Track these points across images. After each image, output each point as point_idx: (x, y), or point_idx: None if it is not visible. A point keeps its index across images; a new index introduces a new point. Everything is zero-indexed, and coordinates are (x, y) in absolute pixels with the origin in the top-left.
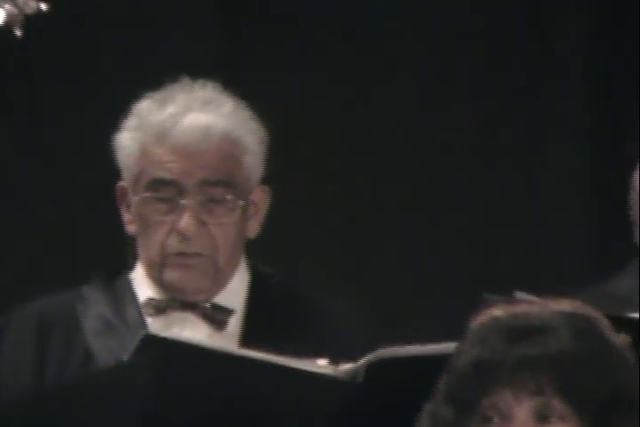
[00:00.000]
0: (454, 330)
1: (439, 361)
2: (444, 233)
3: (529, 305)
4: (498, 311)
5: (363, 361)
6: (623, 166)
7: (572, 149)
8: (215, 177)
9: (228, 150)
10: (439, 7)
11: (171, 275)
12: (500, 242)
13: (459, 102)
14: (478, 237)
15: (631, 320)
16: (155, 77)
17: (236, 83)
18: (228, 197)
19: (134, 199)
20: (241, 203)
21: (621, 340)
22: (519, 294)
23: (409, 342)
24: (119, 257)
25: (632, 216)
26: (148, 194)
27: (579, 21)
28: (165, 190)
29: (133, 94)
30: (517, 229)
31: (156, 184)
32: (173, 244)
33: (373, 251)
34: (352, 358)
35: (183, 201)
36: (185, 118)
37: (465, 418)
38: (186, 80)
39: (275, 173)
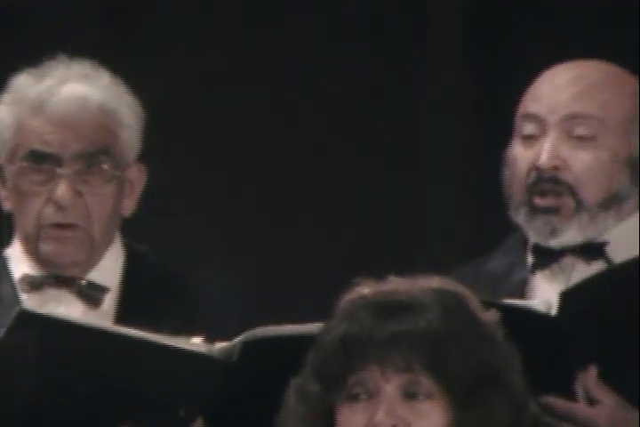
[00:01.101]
0: (330, 310)
1: (313, 341)
2: (321, 213)
3: (397, 283)
4: (366, 289)
5: (238, 340)
6: (497, 142)
7: (447, 123)
8: (92, 148)
9: (105, 122)
10: None
11: (46, 247)
12: (376, 221)
13: (326, 87)
14: (354, 216)
15: (505, 306)
16: (34, 56)
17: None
18: (105, 167)
19: (10, 170)
20: (117, 174)
21: (490, 317)
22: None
23: (284, 321)
24: None
25: (505, 192)
26: (24, 164)
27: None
28: (42, 162)
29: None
30: (393, 206)
31: (33, 156)
32: (49, 214)
33: (251, 231)
34: (227, 336)
35: (59, 170)
36: (62, 90)
37: (332, 394)
38: (63, 57)
39: (151, 152)
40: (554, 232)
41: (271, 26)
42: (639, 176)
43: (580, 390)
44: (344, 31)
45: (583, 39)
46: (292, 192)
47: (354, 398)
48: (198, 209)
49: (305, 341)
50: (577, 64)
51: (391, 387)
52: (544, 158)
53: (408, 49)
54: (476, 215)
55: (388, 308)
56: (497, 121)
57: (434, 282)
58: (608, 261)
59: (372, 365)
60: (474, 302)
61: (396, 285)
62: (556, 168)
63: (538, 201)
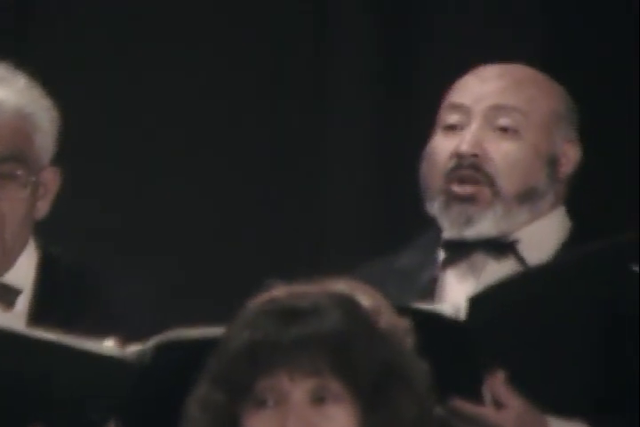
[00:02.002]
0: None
1: None
2: (233, 212)
3: (298, 288)
4: (268, 295)
5: (150, 342)
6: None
7: (360, 120)
8: (6, 152)
9: (20, 126)
10: None
11: None
12: (287, 217)
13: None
14: (264, 213)
15: (413, 310)
16: None
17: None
18: (19, 172)
19: None
20: (32, 179)
21: (401, 323)
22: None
23: (198, 323)
24: None
25: (422, 184)
26: None
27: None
28: None
29: None
30: (304, 200)
31: None
32: None
33: (165, 231)
34: (141, 338)
35: None
36: None
37: (238, 402)
38: None
39: (65, 155)
40: (469, 221)
41: (180, 17)
42: (557, 175)
43: (487, 394)
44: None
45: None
46: (204, 194)
47: (261, 404)
48: (112, 210)
49: (218, 343)
50: (501, 65)
51: (299, 392)
52: (465, 145)
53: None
54: (379, 214)
55: (290, 313)
56: (403, 123)
57: (337, 285)
58: (519, 258)
59: (279, 370)
60: (379, 304)
61: (296, 290)
62: (476, 156)
63: (455, 189)
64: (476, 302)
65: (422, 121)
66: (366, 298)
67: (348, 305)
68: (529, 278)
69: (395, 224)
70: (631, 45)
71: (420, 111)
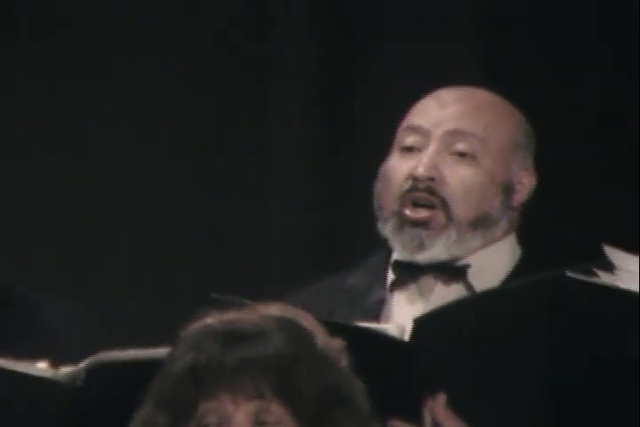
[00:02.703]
0: (176, 335)
1: (159, 365)
2: (167, 230)
3: (240, 312)
4: (210, 319)
5: (83, 364)
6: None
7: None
8: None
9: None
10: None
11: None
12: (225, 236)
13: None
14: (200, 232)
15: (357, 329)
16: None
17: None
18: None
19: None
20: None
21: (336, 344)
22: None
23: (131, 345)
24: None
25: (376, 204)
26: None
27: None
28: None
29: None
30: (244, 219)
31: None
32: None
33: (96, 251)
34: (73, 360)
35: None
36: None
37: (181, 425)
38: None
39: None
40: (421, 246)
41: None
42: (511, 203)
43: (427, 416)
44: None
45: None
46: (136, 215)
47: None
48: (43, 234)
49: (151, 365)
50: (460, 89)
51: (242, 415)
52: (422, 168)
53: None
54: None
55: (235, 335)
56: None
57: (274, 308)
58: (467, 284)
59: (222, 392)
60: (313, 326)
61: (238, 314)
62: (432, 179)
63: (409, 213)
64: (421, 324)
65: (365, 143)
66: (279, 314)
67: (292, 328)
68: (476, 303)
69: (344, 244)
70: (578, 59)
71: (362, 132)
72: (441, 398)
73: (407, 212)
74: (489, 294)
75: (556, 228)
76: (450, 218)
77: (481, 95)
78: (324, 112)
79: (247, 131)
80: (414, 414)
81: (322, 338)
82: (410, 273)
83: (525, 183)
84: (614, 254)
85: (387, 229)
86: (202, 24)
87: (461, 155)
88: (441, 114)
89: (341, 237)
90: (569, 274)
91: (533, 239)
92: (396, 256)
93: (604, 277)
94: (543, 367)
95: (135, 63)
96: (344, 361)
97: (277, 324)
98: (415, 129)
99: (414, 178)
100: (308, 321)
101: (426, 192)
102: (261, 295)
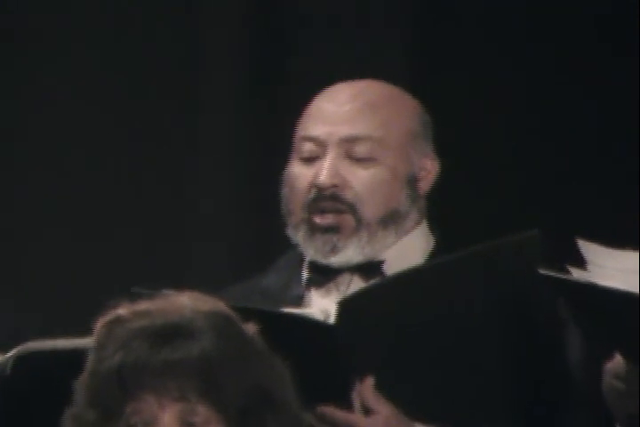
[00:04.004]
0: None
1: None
2: (94, 222)
3: (152, 302)
4: (122, 310)
5: (10, 354)
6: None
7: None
8: None
9: None
10: None
11: None
12: (147, 232)
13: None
14: (126, 227)
15: (281, 315)
16: None
17: None
18: None
19: None
20: None
21: (250, 329)
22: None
23: (58, 334)
24: None
25: (284, 210)
26: None
27: None
28: None
29: None
30: (170, 217)
31: None
32: None
33: (23, 240)
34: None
35: None
36: None
37: (110, 423)
38: None
39: None
40: (334, 250)
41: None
42: (417, 192)
43: (356, 400)
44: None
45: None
46: (64, 204)
47: None
48: None
49: (79, 354)
50: (353, 84)
51: (168, 416)
52: (323, 177)
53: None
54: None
55: (163, 335)
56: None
57: (180, 298)
58: (383, 277)
59: (148, 394)
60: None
61: (149, 305)
62: (335, 186)
63: (318, 220)
64: (346, 306)
65: (289, 137)
66: (193, 313)
67: (223, 325)
68: (399, 283)
69: (261, 245)
70: (503, 49)
71: (287, 127)
72: (369, 381)
73: (316, 219)
74: (411, 274)
75: (468, 213)
76: (359, 221)
77: (375, 89)
78: (252, 110)
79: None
80: (343, 398)
81: (251, 333)
82: (325, 272)
83: (429, 169)
84: (588, 249)
85: (298, 236)
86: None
87: (361, 158)
88: (335, 119)
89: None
90: (542, 271)
91: (445, 226)
92: (309, 258)
93: (576, 274)
94: (469, 345)
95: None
96: (271, 357)
97: (208, 320)
98: (311, 139)
99: (317, 187)
100: (235, 316)
101: (331, 199)
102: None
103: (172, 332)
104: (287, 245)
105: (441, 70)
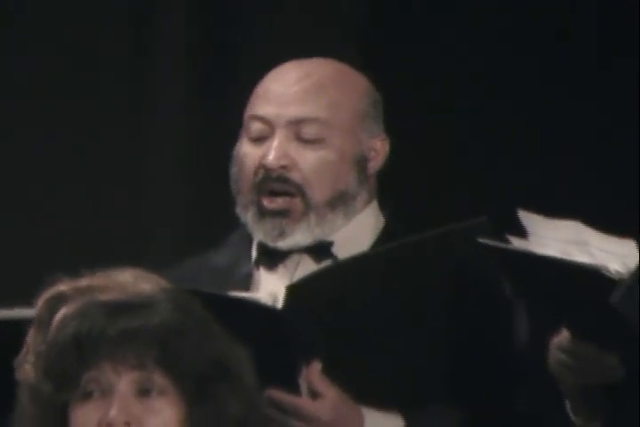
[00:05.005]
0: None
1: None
2: (42, 199)
3: (93, 278)
4: (63, 286)
5: None
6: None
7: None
8: None
9: None
10: None
11: None
12: (95, 211)
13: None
14: (70, 206)
15: (229, 298)
16: None
17: None
18: None
19: None
20: None
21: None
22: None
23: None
24: None
25: (233, 189)
26: None
27: None
28: None
29: None
30: (117, 198)
31: None
32: None
33: None
34: None
35: None
36: None
37: (66, 393)
38: None
39: None
40: (282, 234)
41: None
42: (367, 173)
43: (303, 384)
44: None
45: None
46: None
47: (87, 396)
48: None
49: (21, 324)
50: (303, 63)
51: (124, 384)
52: (271, 158)
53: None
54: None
55: (120, 305)
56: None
57: (122, 275)
58: (333, 258)
59: (104, 362)
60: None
61: (91, 280)
62: (283, 167)
63: (266, 203)
64: (294, 291)
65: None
66: (149, 286)
67: (181, 299)
68: (348, 268)
69: (208, 222)
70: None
71: (236, 114)
72: (315, 365)
73: (265, 202)
74: (359, 259)
75: (418, 193)
76: (307, 204)
77: (324, 69)
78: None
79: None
80: (291, 382)
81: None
82: (274, 253)
83: (379, 149)
84: (528, 219)
85: (247, 217)
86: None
87: (308, 140)
88: (283, 100)
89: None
90: (481, 240)
91: (395, 206)
92: (258, 240)
93: (516, 243)
94: (416, 329)
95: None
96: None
97: (165, 294)
98: (259, 119)
99: (265, 168)
100: (159, 286)
101: (279, 181)
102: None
103: (130, 303)
104: (238, 222)
105: (394, 48)
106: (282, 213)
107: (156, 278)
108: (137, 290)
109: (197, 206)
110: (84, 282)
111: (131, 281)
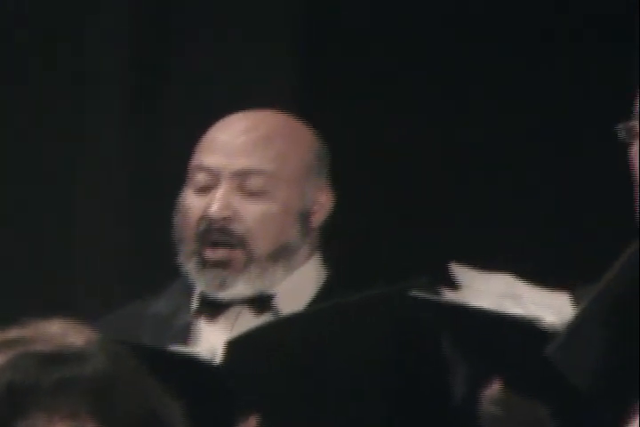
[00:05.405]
0: None
1: None
2: None
3: (22, 329)
4: (15, 333)
5: None
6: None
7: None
8: None
9: None
10: None
11: None
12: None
13: None
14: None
15: (168, 353)
16: None
17: None
18: None
19: None
20: None
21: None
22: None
23: None
24: None
25: (176, 239)
26: None
27: None
28: None
29: None
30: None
31: None
32: None
33: None
34: None
35: None
36: None
37: None
38: None
39: None
40: (223, 285)
41: None
42: (310, 226)
43: None
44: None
45: None
46: None
47: None
48: None
49: None
50: (250, 115)
51: None
52: (214, 208)
53: None
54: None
55: (53, 356)
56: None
57: (50, 326)
58: (275, 313)
59: (38, 412)
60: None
61: (20, 332)
62: (226, 219)
63: (208, 253)
64: (232, 346)
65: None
66: (80, 337)
67: (113, 350)
68: (286, 324)
69: (149, 270)
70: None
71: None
72: (253, 420)
73: (207, 252)
74: (298, 316)
75: (360, 246)
76: (249, 255)
77: (271, 121)
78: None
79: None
80: None
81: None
82: (215, 304)
83: (323, 203)
84: (459, 272)
85: (188, 266)
86: None
87: (253, 192)
88: (229, 151)
89: (156, 257)
90: (415, 294)
91: (337, 259)
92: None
93: (449, 296)
94: (354, 386)
95: None
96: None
97: (99, 344)
98: (205, 169)
99: (208, 218)
100: (87, 338)
101: (221, 232)
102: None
103: (63, 353)
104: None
105: (331, 98)
106: (223, 264)
107: (86, 330)
108: (67, 341)
109: (132, 252)
110: (12, 333)
111: (60, 332)
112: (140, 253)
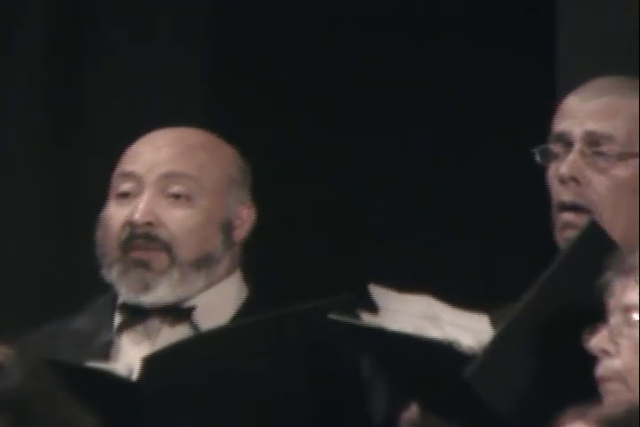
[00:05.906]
0: None
1: None
2: None
3: None
4: None
5: None
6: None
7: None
8: None
9: None
10: None
11: None
12: None
13: None
14: None
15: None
16: None
17: None
18: None
19: None
20: None
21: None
22: None
23: None
24: None
25: (99, 251)
26: None
27: None
28: None
29: None
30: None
31: None
32: None
33: None
34: None
35: None
36: None
37: None
38: None
39: None
40: (145, 287)
41: None
42: (232, 240)
43: None
44: None
45: None
46: None
47: None
48: None
49: None
50: (171, 130)
51: None
52: (138, 214)
53: None
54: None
55: None
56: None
57: None
58: (194, 325)
59: None
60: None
61: None
62: (149, 224)
63: (132, 255)
64: (149, 363)
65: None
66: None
67: (29, 366)
68: (203, 341)
69: (70, 288)
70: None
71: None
72: None
73: (131, 255)
74: (217, 333)
75: (284, 263)
76: (172, 260)
77: (193, 135)
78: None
79: None
80: None
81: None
82: (136, 315)
83: (245, 218)
84: (378, 293)
85: (112, 273)
86: None
87: (177, 197)
88: (154, 158)
89: (70, 278)
90: (331, 316)
91: (259, 276)
92: (122, 299)
93: (366, 318)
94: (274, 403)
95: None
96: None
97: (14, 361)
98: (128, 175)
99: (131, 224)
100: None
101: (144, 238)
102: None
103: None
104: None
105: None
106: (145, 265)
107: (2, 346)
108: None
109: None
110: None
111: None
112: (62, 269)
